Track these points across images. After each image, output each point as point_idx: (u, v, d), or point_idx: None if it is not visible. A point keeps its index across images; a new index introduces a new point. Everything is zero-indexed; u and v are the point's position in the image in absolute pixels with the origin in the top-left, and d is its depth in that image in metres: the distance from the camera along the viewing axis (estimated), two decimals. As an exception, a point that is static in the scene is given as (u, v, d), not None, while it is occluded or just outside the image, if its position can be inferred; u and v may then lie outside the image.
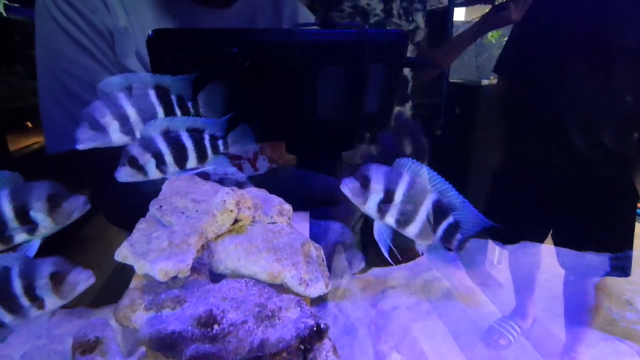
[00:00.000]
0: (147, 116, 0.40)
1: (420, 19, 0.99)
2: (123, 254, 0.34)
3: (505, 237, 1.13)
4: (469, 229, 0.39)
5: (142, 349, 0.30)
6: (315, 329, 0.30)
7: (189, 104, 0.44)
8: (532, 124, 1.02)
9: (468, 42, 1.07)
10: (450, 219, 0.38)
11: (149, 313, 0.32)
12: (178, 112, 0.43)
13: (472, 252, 0.40)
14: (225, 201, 0.35)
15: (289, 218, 0.40)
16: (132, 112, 0.40)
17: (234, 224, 0.36)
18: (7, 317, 0.34)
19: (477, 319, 1.13)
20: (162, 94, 0.41)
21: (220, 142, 0.43)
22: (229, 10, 0.64)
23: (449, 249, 0.40)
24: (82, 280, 0.35)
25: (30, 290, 0.34)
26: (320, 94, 0.50)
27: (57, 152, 0.59)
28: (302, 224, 0.48)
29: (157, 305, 0.32)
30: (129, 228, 0.44)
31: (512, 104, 1.10)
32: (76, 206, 0.38)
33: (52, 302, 0.34)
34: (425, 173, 0.38)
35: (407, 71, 1.01)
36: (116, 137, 0.40)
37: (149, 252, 0.33)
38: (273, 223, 0.39)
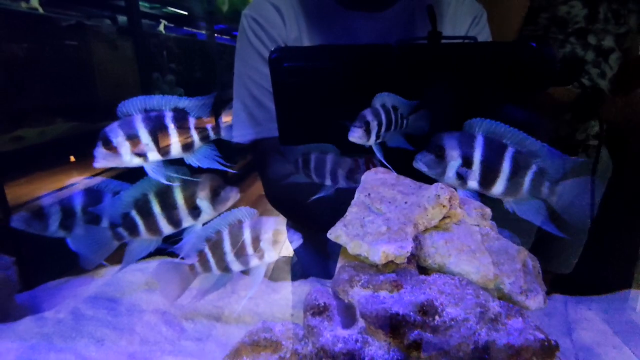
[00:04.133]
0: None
1: (633, 21, 0.85)
2: (337, 233, 0.37)
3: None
4: (555, 173, 0.36)
5: (361, 322, 0.33)
6: (546, 343, 0.28)
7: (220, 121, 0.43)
8: None
9: None
10: (534, 168, 0.36)
11: (366, 291, 0.34)
12: (195, 134, 0.41)
13: (566, 195, 0.37)
14: (439, 196, 0.35)
15: (491, 222, 0.39)
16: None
17: (441, 220, 0.36)
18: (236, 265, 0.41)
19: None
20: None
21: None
22: (385, 14, 0.64)
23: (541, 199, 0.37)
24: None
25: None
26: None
27: (238, 142, 0.69)
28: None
29: (374, 285, 0.34)
30: (281, 210, 0.47)
31: None
32: (231, 196, 0.44)
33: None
34: (498, 128, 0.37)
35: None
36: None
37: (365, 235, 0.35)
38: (477, 225, 0.38)
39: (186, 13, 2.70)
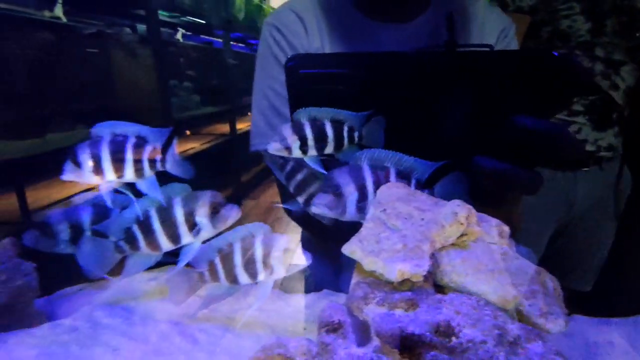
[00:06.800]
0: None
1: None
2: (352, 248, 0.37)
3: None
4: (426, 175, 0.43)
5: (376, 341, 0.32)
6: (568, 371, 0.27)
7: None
8: None
9: None
10: (413, 180, 0.43)
11: (382, 309, 0.33)
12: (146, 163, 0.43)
13: (442, 192, 0.43)
14: (457, 213, 0.35)
15: (509, 241, 0.38)
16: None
17: (459, 237, 0.36)
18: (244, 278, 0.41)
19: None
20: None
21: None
22: (409, 25, 0.64)
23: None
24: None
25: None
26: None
27: (256, 151, 0.69)
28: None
29: (390, 303, 0.33)
30: (300, 223, 0.47)
31: None
32: (231, 214, 0.44)
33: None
34: (378, 153, 0.42)
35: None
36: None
37: (381, 251, 0.35)
38: (495, 243, 0.37)
39: (204, 22, 2.76)
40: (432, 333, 0.30)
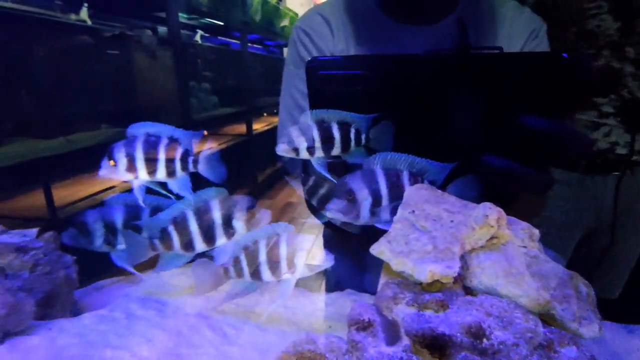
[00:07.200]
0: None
1: None
2: (380, 249, 0.38)
3: None
4: (440, 179, 0.44)
5: (406, 340, 0.33)
6: (603, 375, 0.27)
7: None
8: None
9: None
10: (425, 182, 0.43)
11: (411, 309, 0.34)
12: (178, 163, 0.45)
13: (455, 193, 0.42)
14: (487, 216, 0.35)
15: (540, 244, 0.38)
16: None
17: (488, 240, 0.36)
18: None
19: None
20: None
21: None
22: (435, 27, 0.64)
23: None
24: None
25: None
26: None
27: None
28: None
29: (419, 303, 0.34)
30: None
31: None
32: (264, 218, 0.46)
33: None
34: (391, 156, 0.42)
35: None
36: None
37: (411, 252, 0.36)
38: (524, 247, 0.37)
39: (222, 23, 2.81)
40: (462, 334, 0.30)
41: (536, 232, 0.38)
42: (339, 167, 0.47)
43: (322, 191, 0.51)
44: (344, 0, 0.67)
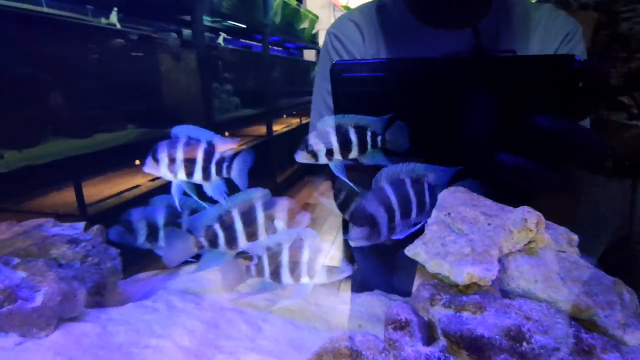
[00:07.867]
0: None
1: None
2: (415, 250, 0.38)
3: None
4: (441, 182, 0.45)
5: (443, 341, 0.33)
6: (650, 383, 0.27)
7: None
8: None
9: None
10: (426, 185, 0.45)
11: (448, 311, 0.34)
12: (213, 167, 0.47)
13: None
14: (526, 220, 0.35)
15: (578, 250, 0.37)
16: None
17: (526, 244, 0.36)
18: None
19: None
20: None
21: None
22: (467, 31, 0.63)
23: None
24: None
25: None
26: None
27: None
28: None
29: (456, 305, 0.34)
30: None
31: None
32: (304, 219, 0.47)
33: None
34: (392, 170, 0.43)
35: None
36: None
37: (448, 255, 0.36)
38: (563, 252, 0.37)
39: (245, 26, 2.86)
40: (502, 337, 0.30)
41: (575, 237, 0.38)
42: (357, 171, 0.48)
43: (352, 205, 0.51)
44: (376, 6, 0.68)
